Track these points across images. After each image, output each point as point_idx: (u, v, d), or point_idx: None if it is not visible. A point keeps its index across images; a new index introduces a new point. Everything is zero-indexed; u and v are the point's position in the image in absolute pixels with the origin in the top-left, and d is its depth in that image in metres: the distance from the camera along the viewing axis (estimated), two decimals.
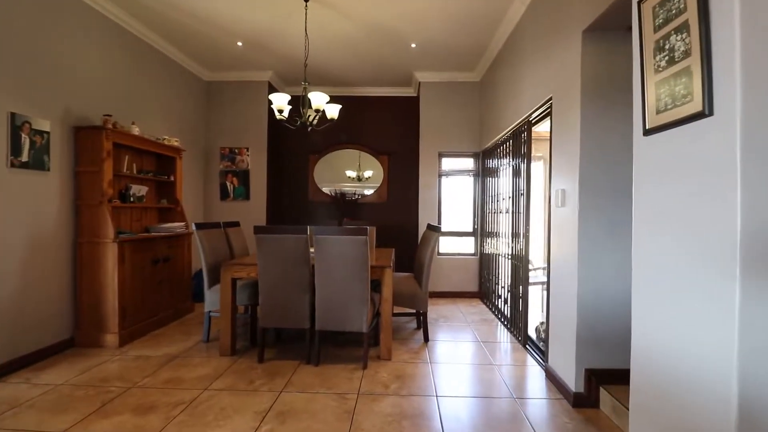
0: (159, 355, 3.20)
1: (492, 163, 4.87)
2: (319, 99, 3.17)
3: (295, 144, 5.95)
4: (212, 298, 3.38)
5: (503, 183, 4.32)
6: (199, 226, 3.47)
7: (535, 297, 4.00)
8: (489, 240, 4.97)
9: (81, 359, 3.10)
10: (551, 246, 2.83)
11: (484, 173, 5.27)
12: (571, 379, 2.44)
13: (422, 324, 3.58)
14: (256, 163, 5.41)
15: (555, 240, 2.77)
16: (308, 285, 2.97)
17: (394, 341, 3.51)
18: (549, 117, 2.93)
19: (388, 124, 5.95)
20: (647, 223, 1.48)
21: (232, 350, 3.17)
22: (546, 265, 4.64)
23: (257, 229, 2.89)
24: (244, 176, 5.40)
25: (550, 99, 2.88)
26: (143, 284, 3.67)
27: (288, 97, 3.23)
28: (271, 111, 4.95)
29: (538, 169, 4.54)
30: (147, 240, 3.73)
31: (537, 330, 3.58)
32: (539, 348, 3.26)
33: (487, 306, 4.89)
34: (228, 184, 5.40)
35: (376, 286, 3.29)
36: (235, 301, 3.21)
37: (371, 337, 3.29)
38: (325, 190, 5.95)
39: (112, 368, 2.94)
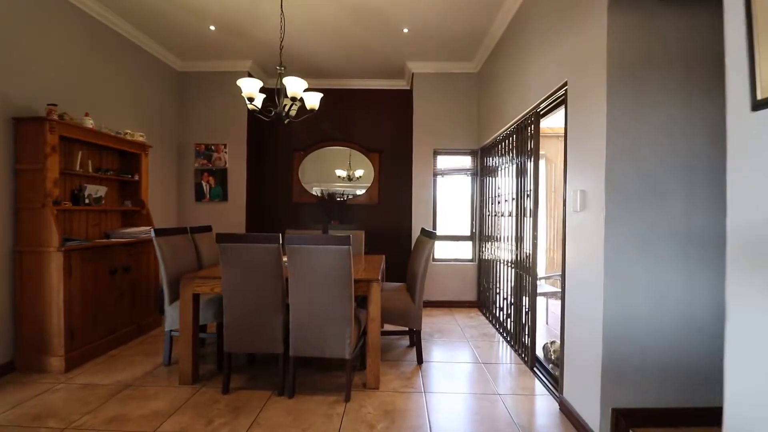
0: (109, 383, 2.74)
1: (492, 161, 4.46)
2: (295, 85, 2.73)
3: (278, 140, 5.51)
4: (174, 316, 2.92)
5: (505, 183, 3.91)
6: (159, 232, 3.01)
7: (539, 309, 3.59)
8: (488, 245, 4.55)
9: (17, 389, 2.64)
10: (566, 255, 2.41)
11: (482, 172, 4.86)
12: (595, 420, 2.02)
13: (415, 343, 3.15)
14: (235, 160, 4.96)
15: (572, 249, 2.35)
16: (281, 303, 2.53)
17: (383, 362, 3.08)
18: (563, 105, 2.52)
19: (378, 120, 5.52)
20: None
21: (193, 378, 2.72)
22: (555, 275, 4.26)
23: (220, 237, 2.44)
24: (221, 175, 4.94)
25: (565, 85, 2.47)
26: (97, 298, 3.21)
27: (260, 83, 2.79)
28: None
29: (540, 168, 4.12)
30: (102, 248, 3.27)
31: (545, 349, 3.17)
32: (550, 373, 2.85)
33: (487, 317, 4.48)
34: (204, 183, 4.94)
35: (362, 301, 2.87)
36: (198, 320, 2.76)
37: (356, 358, 2.86)
38: (314, 190, 5.51)
39: (50, 401, 2.48)
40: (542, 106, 2.90)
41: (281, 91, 2.90)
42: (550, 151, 5.42)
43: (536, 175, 3.04)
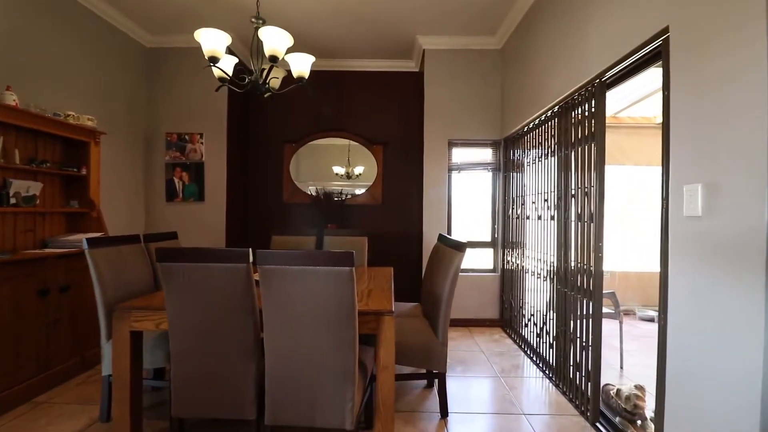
0: None
1: (520, 153, 3.72)
2: (275, 39, 1.96)
3: (265, 129, 4.74)
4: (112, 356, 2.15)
5: (540, 179, 3.17)
6: (93, 242, 2.24)
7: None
8: (516, 253, 3.80)
9: None
10: (669, 275, 1.66)
11: (507, 167, 4.11)
12: None
13: (439, 389, 2.38)
14: (213, 153, 4.18)
15: (680, 269, 1.60)
16: (252, 348, 1.76)
17: (395, 412, 2.32)
18: (656, 63, 1.77)
19: (382, 107, 4.76)
20: None
21: None
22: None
23: (161, 254, 1.67)
24: (197, 170, 4.16)
25: (663, 33, 1.71)
26: (19, 328, 2.44)
27: (227, 38, 2.02)
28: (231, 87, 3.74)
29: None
30: (27, 262, 2.49)
31: (606, 394, 2.42)
32: None
33: (514, 340, 3.72)
34: (176, 180, 4.16)
35: (366, 338, 2.11)
36: (140, 365, 2.00)
37: (361, 414, 2.10)
38: (308, 189, 4.74)
39: None
40: (612, 72, 2.15)
41: (259, 51, 2.13)
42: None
43: (601, 165, 2.28)
